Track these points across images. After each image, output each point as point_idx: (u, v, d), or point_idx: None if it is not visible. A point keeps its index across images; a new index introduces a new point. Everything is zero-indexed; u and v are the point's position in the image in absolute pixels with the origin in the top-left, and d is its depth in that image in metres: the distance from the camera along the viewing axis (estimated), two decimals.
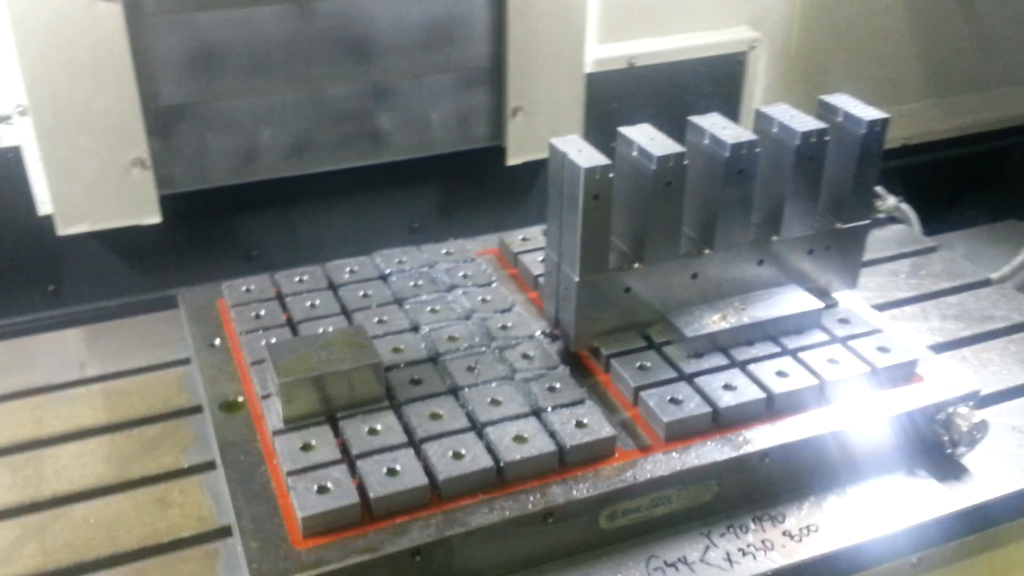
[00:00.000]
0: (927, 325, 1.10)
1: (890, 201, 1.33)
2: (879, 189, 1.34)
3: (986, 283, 1.20)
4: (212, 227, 1.31)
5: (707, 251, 0.93)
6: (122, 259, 1.29)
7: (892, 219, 1.36)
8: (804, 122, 0.91)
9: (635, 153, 0.88)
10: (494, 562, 0.77)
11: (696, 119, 0.93)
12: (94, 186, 1.16)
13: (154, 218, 1.21)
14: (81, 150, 1.14)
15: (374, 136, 1.31)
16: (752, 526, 0.83)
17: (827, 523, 0.83)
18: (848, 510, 0.85)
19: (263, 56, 1.21)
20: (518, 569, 0.78)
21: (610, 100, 1.45)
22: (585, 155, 0.85)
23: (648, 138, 0.88)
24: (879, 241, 1.30)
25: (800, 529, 0.83)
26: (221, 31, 1.17)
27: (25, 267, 1.23)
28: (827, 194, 0.97)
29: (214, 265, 1.30)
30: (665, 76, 1.47)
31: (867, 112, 0.93)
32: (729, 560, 0.79)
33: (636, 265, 0.90)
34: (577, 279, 0.88)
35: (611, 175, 0.84)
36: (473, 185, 1.40)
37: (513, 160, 1.37)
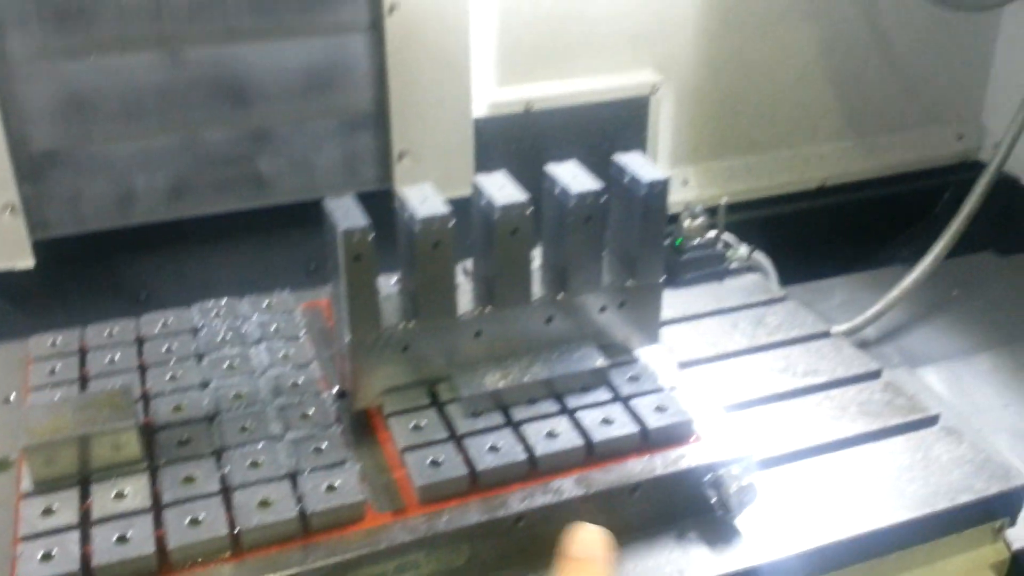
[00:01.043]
0: (745, 379, 1.10)
1: (741, 250, 1.33)
2: (730, 238, 1.34)
3: (825, 335, 1.19)
4: (97, 270, 1.32)
5: (488, 309, 0.93)
6: (7, 302, 1.30)
7: (750, 268, 1.35)
8: (584, 183, 0.92)
9: (407, 215, 0.89)
10: None
11: (479, 179, 0.93)
12: None
13: (27, 262, 1.22)
14: None
15: (257, 180, 1.33)
16: None
17: None
18: None
19: (136, 102, 1.22)
20: None
21: (507, 143, 1.46)
22: (349, 216, 0.86)
23: (419, 199, 0.89)
24: (730, 291, 1.30)
25: None
26: (91, 77, 1.19)
27: None
28: (618, 251, 0.98)
29: (101, 308, 1.30)
30: (565, 119, 1.48)
31: (649, 172, 0.93)
32: None
33: (411, 324, 0.91)
34: (348, 338, 0.88)
35: (371, 237, 0.84)
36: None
37: None
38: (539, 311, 0.95)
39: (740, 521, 0.89)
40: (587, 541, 0.71)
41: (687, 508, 0.89)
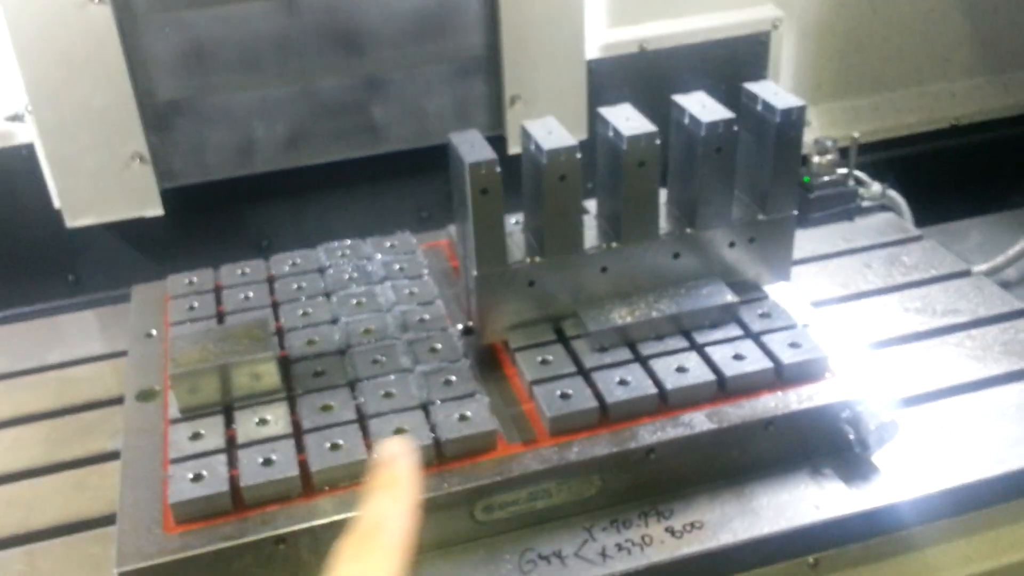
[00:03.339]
0: (880, 318, 1.06)
1: (874, 188, 1.28)
2: (863, 176, 1.29)
3: (965, 274, 1.14)
4: (220, 218, 1.37)
5: (614, 244, 0.92)
6: (136, 250, 1.36)
7: (883, 207, 1.30)
8: (713, 112, 0.89)
9: (532, 147, 0.88)
10: None
11: (604, 111, 0.92)
12: (96, 180, 1.22)
13: (156, 210, 1.27)
14: (82, 146, 1.20)
15: (371, 128, 1.34)
16: (636, 521, 0.82)
17: (715, 520, 0.82)
18: (741, 508, 0.83)
19: (254, 51, 1.24)
20: None
21: (620, 86, 1.43)
22: (476, 149, 0.85)
23: (544, 132, 0.88)
24: (861, 230, 1.25)
25: (684, 526, 0.82)
26: (211, 27, 1.21)
27: (46, 257, 1.31)
28: (749, 185, 0.95)
29: (225, 255, 1.34)
30: (680, 60, 1.45)
31: (784, 100, 0.90)
32: (604, 555, 0.79)
33: (538, 259, 0.90)
34: (475, 273, 0.89)
35: (498, 169, 0.84)
36: None
37: (514, 149, 1.37)
38: (666, 246, 0.93)
39: (877, 458, 0.87)
40: (394, 463, 0.61)
41: (822, 444, 0.87)
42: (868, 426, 0.84)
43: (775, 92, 0.91)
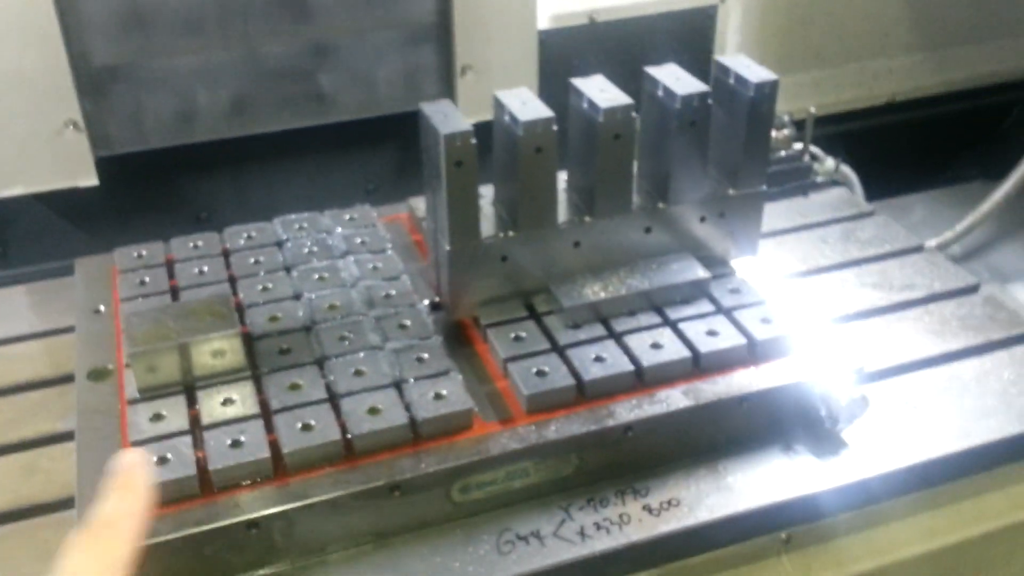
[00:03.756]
0: (840, 293, 1.07)
1: (828, 163, 1.29)
2: (817, 151, 1.30)
3: (918, 250, 1.16)
4: (157, 189, 1.31)
5: (587, 219, 0.90)
6: (69, 221, 1.30)
7: (834, 182, 1.31)
8: (688, 85, 0.88)
9: (507, 119, 0.86)
10: (338, 535, 0.76)
11: (578, 82, 0.90)
12: (27, 148, 1.16)
13: (90, 180, 1.21)
14: (11, 112, 1.14)
15: (318, 96, 1.30)
16: (613, 500, 0.82)
17: (691, 498, 0.82)
18: (716, 484, 0.83)
19: (196, 13, 1.19)
20: (365, 542, 0.77)
21: (570, 57, 1.42)
22: (450, 120, 0.83)
23: (519, 103, 0.85)
24: (815, 206, 1.26)
25: (661, 504, 0.81)
26: None
27: None
28: (719, 159, 0.94)
29: (162, 227, 1.28)
30: (629, 32, 1.44)
31: (757, 74, 0.89)
32: (582, 534, 0.78)
33: (511, 233, 0.88)
34: (448, 248, 0.86)
35: (473, 141, 0.82)
36: None
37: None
38: (638, 221, 0.92)
39: (847, 434, 0.87)
40: (130, 470, 0.66)
41: (794, 420, 0.87)
42: (839, 402, 0.85)
43: (747, 65, 0.91)
